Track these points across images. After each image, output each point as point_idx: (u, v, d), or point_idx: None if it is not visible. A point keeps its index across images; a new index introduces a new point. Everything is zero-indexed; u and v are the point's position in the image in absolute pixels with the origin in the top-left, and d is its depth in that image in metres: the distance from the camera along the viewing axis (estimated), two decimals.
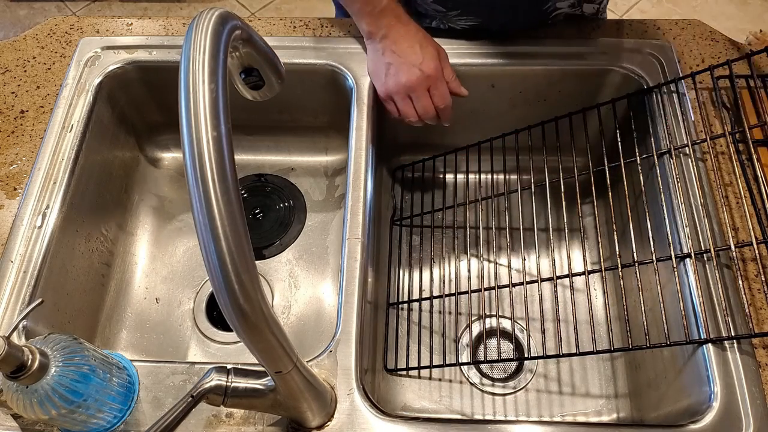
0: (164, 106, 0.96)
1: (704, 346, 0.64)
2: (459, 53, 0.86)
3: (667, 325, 0.66)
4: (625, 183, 0.76)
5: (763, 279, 0.66)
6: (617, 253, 0.74)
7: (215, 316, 0.88)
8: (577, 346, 0.70)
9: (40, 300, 0.57)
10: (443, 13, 0.85)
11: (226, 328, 0.87)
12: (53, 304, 0.74)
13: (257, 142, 1.01)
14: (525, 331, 0.86)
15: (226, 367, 0.54)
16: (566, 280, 0.76)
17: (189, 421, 0.60)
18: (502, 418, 0.80)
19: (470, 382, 0.83)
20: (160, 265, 0.92)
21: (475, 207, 0.95)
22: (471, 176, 0.96)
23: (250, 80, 0.52)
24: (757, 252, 0.67)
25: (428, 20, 0.89)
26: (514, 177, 0.96)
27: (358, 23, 0.82)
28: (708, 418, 0.60)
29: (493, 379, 0.84)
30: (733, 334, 0.63)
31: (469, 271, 0.87)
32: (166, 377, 0.64)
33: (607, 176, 0.78)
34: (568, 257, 0.78)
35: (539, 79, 0.88)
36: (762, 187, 0.71)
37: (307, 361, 0.65)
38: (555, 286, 0.75)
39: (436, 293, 0.90)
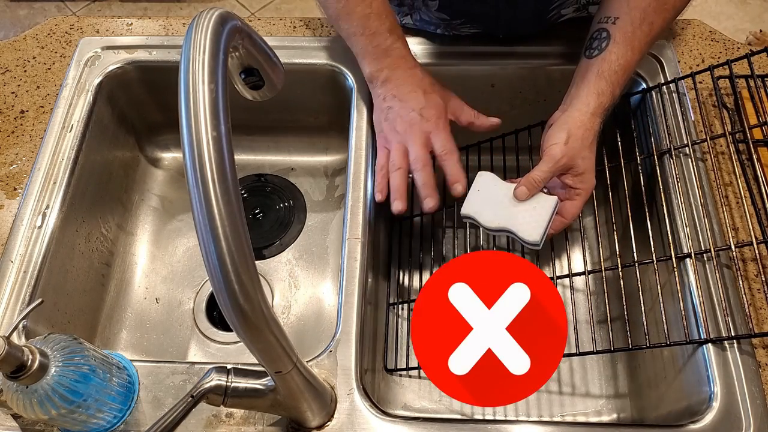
0: (164, 106, 0.96)
1: (704, 346, 0.64)
2: (459, 53, 0.86)
3: (667, 325, 0.66)
4: (625, 183, 0.76)
5: (763, 279, 0.66)
6: (617, 253, 0.74)
7: (215, 316, 0.88)
8: (577, 346, 0.70)
9: (40, 300, 0.57)
10: (447, 21, 0.84)
11: (226, 328, 0.87)
12: (53, 304, 0.74)
13: (257, 142, 1.01)
14: None
15: (226, 367, 0.54)
16: (566, 280, 0.76)
17: (189, 421, 0.60)
18: (502, 418, 0.80)
19: None
20: (160, 265, 0.92)
21: None
22: (471, 176, 0.96)
23: (250, 80, 0.52)
24: (757, 252, 0.67)
25: (432, 27, 0.88)
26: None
27: (360, 66, 0.77)
28: (708, 418, 0.60)
29: None
30: (733, 334, 0.63)
31: None
32: (166, 377, 0.64)
33: (607, 176, 0.78)
34: (568, 257, 0.78)
35: (539, 79, 0.88)
36: (762, 187, 0.71)
37: (307, 361, 0.65)
38: (555, 286, 0.74)
39: None
